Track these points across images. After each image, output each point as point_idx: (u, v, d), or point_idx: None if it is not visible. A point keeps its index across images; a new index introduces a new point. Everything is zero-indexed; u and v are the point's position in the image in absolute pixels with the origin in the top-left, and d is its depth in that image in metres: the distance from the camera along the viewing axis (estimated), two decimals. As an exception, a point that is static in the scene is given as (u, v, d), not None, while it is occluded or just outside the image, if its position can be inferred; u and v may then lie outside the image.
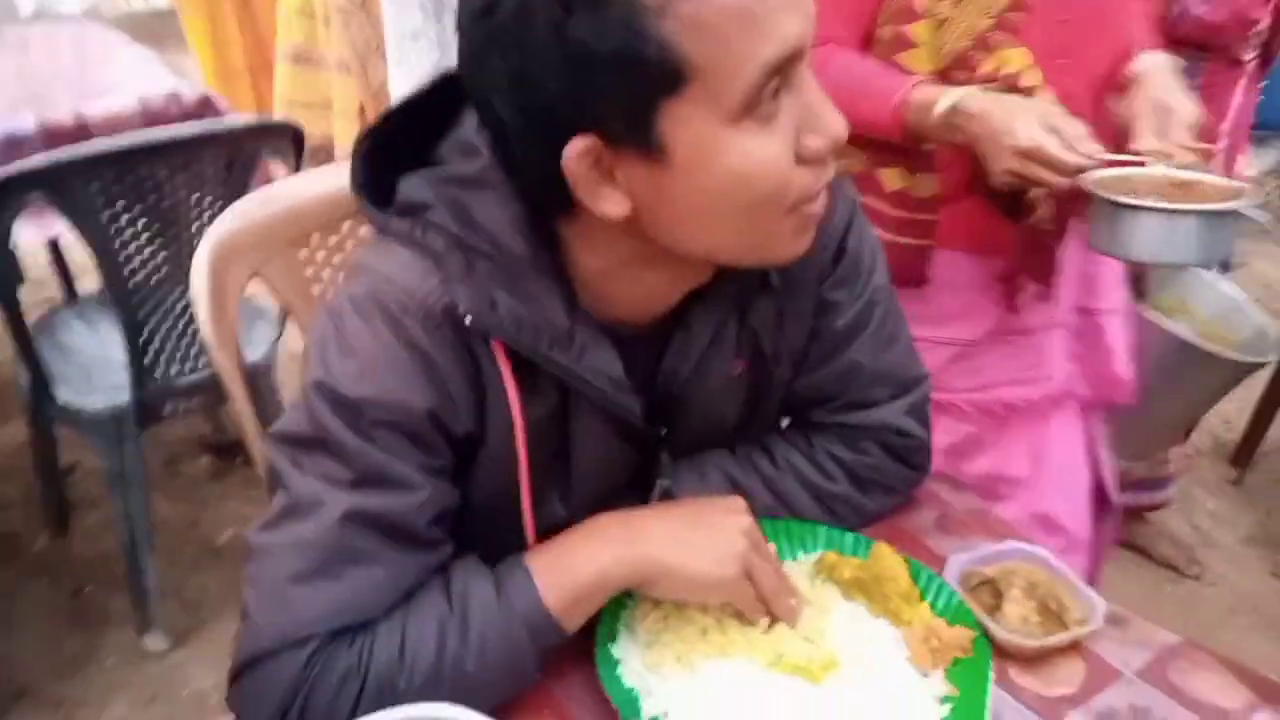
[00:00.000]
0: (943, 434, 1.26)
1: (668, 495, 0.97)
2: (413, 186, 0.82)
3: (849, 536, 0.98)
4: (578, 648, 0.85)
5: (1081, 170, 1.15)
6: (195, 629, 2.15)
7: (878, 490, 1.03)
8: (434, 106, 0.86)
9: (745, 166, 0.73)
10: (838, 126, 0.76)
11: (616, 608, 0.89)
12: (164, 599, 2.13)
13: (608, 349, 0.85)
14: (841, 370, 1.01)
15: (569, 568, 0.83)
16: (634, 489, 0.98)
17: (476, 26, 0.73)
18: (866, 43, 1.35)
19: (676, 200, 0.76)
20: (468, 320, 0.78)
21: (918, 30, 1.29)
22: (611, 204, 0.76)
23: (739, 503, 0.90)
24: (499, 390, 0.83)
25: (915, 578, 0.93)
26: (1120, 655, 0.89)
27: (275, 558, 0.78)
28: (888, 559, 0.94)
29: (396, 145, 0.85)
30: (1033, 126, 1.16)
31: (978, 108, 1.20)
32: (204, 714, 1.97)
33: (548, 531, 0.89)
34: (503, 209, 0.80)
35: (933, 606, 0.91)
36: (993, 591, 0.93)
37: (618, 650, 0.87)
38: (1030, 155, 1.15)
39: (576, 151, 0.73)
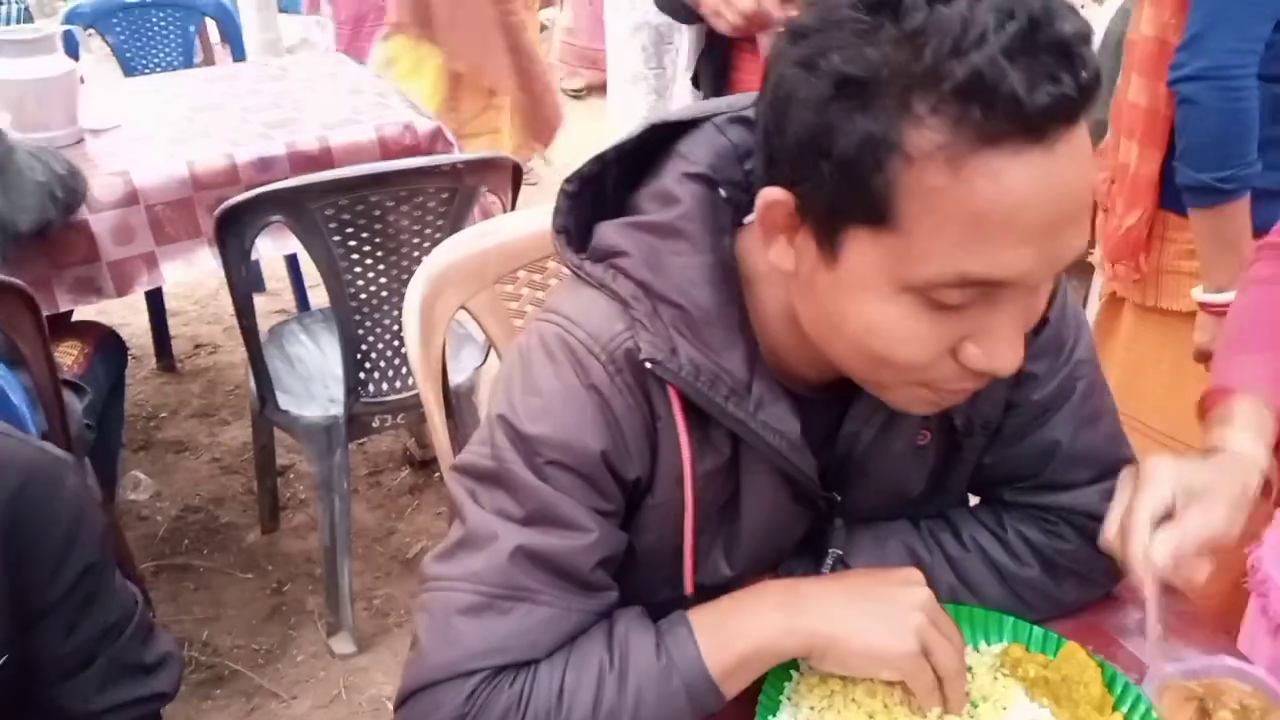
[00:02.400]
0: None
1: (841, 564, 0.94)
2: (609, 232, 0.84)
3: (1038, 631, 0.91)
4: (738, 714, 0.83)
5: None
6: (380, 636, 2.25)
7: (1073, 579, 0.96)
8: (637, 155, 0.87)
9: (885, 328, 0.71)
10: (1004, 364, 0.72)
11: (780, 677, 0.87)
12: (354, 604, 2.24)
13: (786, 406, 0.83)
14: (1038, 448, 0.95)
15: (734, 631, 0.81)
16: (804, 555, 0.95)
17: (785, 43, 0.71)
18: None
19: (821, 300, 0.75)
20: (648, 365, 0.79)
21: None
22: (779, 255, 0.76)
23: (916, 574, 0.85)
24: (672, 438, 0.83)
25: (1109, 684, 0.86)
26: (1345, 802, 0.79)
27: (448, 588, 0.80)
28: (1080, 659, 0.87)
29: (598, 189, 0.87)
30: (1155, 501, 0.84)
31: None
32: (379, 717, 2.05)
33: (708, 589, 0.88)
34: (693, 258, 0.80)
35: (1127, 719, 0.84)
36: (1199, 710, 0.84)
37: (778, 724, 0.84)
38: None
39: (771, 199, 0.73)
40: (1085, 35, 0.63)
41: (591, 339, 0.81)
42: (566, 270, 0.86)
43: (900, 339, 0.71)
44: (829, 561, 0.94)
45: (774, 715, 0.85)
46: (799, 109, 0.68)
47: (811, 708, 0.85)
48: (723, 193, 0.83)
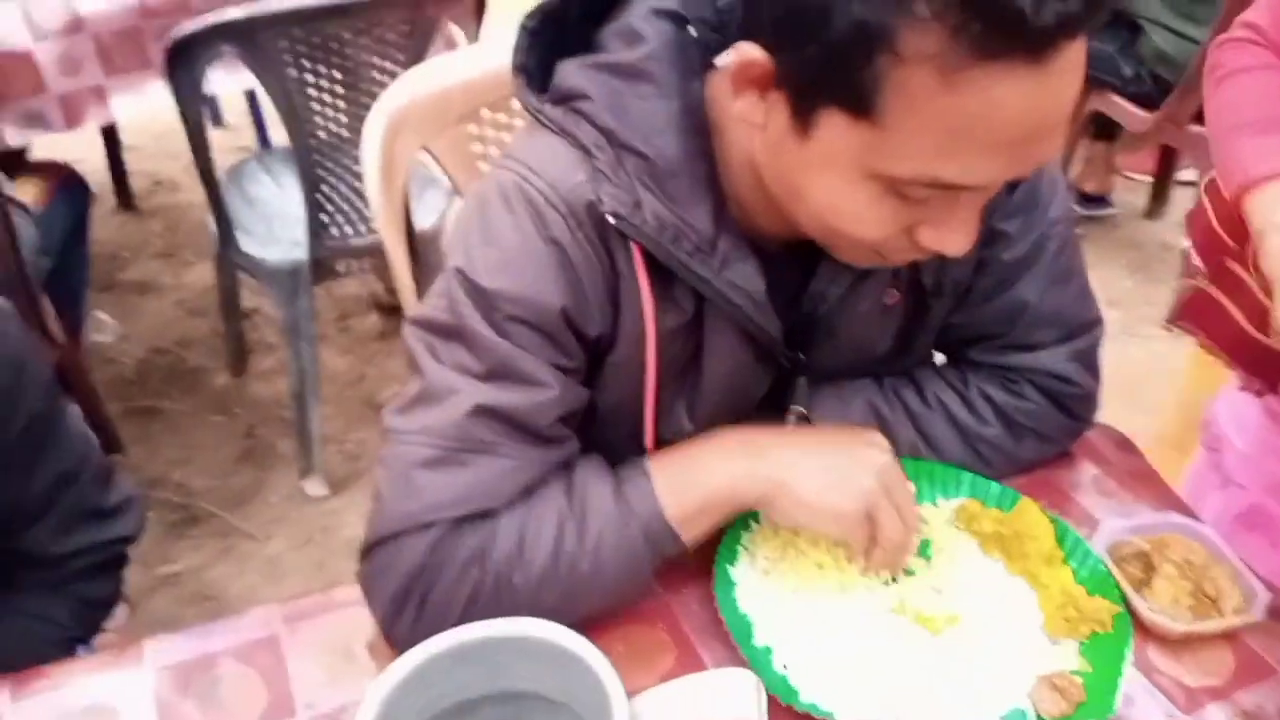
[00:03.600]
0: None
1: (804, 421, 0.94)
2: (570, 73, 0.80)
3: (994, 486, 0.92)
4: (698, 563, 0.84)
5: None
6: (352, 479, 2.27)
7: (1032, 437, 0.97)
8: None
9: (848, 209, 0.71)
10: (956, 248, 0.73)
11: (739, 528, 0.88)
12: (326, 447, 2.25)
13: (751, 263, 0.81)
14: (1006, 308, 0.94)
15: (690, 477, 0.81)
16: (767, 413, 0.95)
17: None
18: None
19: (785, 166, 0.73)
20: (611, 220, 0.76)
21: None
22: (748, 108, 0.73)
23: (879, 438, 0.85)
24: (634, 294, 0.81)
25: (1060, 539, 0.88)
26: (1278, 652, 0.82)
27: (406, 442, 0.79)
28: (1032, 515, 0.89)
29: (561, 25, 0.82)
30: None
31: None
32: (353, 559, 2.08)
33: (670, 445, 0.87)
34: (659, 103, 0.77)
35: (1075, 573, 0.86)
36: (1144, 565, 0.86)
37: (736, 573, 0.85)
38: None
39: (750, 57, 0.69)
40: None
41: (551, 189, 0.78)
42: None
43: (859, 219, 0.71)
44: (790, 419, 0.94)
45: (732, 564, 0.86)
46: None
47: (766, 557, 0.86)
48: (693, 31, 0.79)
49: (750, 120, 0.73)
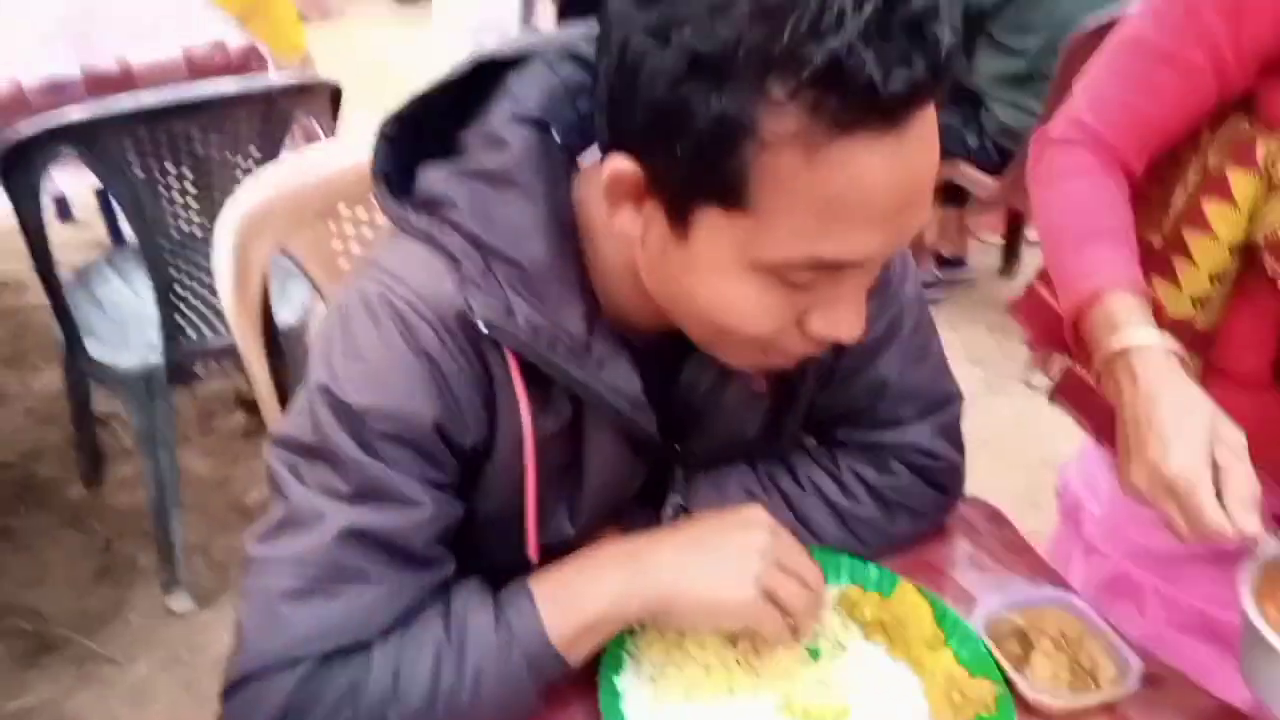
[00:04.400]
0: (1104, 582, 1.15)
1: (683, 511, 0.93)
2: (434, 179, 0.78)
3: (873, 570, 0.92)
4: (581, 673, 0.81)
5: (1222, 536, 0.79)
6: (221, 590, 2.15)
7: (905, 514, 0.98)
8: (463, 91, 0.81)
9: (736, 305, 0.70)
10: (848, 332, 0.72)
11: (621, 635, 0.85)
12: (191, 556, 2.13)
13: (626, 364, 0.80)
14: (867, 386, 0.95)
15: (575, 598, 0.79)
16: (644, 504, 0.93)
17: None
18: (1148, 158, 1.03)
19: (669, 272, 0.72)
20: (483, 328, 0.74)
21: (1216, 214, 0.97)
22: (626, 223, 0.72)
23: (756, 514, 0.84)
24: (510, 401, 0.79)
25: (940, 620, 0.88)
26: (1155, 720, 0.83)
27: (271, 572, 0.75)
28: (911, 599, 0.89)
29: (419, 127, 0.81)
30: (1195, 454, 0.81)
31: (1147, 377, 0.87)
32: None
33: (552, 548, 0.85)
34: (526, 208, 0.76)
35: (956, 654, 0.86)
36: (1022, 641, 0.87)
37: (622, 682, 0.83)
38: (1172, 489, 0.82)
39: (620, 169, 0.69)
40: (936, 9, 0.60)
41: (418, 298, 0.76)
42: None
43: (749, 314, 0.70)
44: (668, 510, 0.93)
45: (617, 673, 0.83)
46: (649, 81, 0.63)
47: (653, 663, 0.84)
48: (556, 136, 0.78)
49: (630, 234, 0.72)
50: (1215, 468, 0.80)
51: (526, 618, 0.77)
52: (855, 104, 0.60)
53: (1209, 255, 0.98)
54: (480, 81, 0.80)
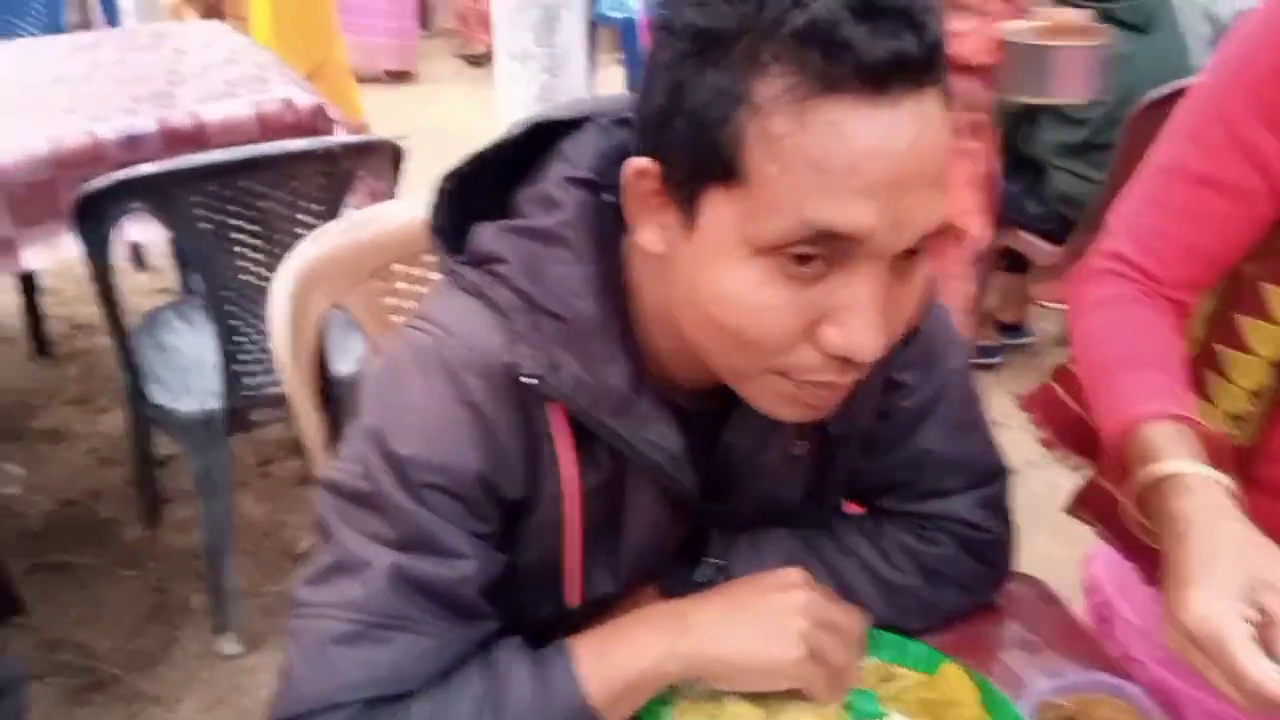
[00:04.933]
0: None
1: (719, 571, 0.92)
2: (488, 236, 0.80)
3: (918, 647, 0.90)
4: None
5: (1259, 691, 0.69)
6: (269, 635, 2.17)
7: (951, 587, 0.96)
8: (519, 151, 0.83)
9: (734, 292, 0.68)
10: (862, 345, 0.68)
11: (656, 704, 0.84)
12: (241, 601, 2.15)
13: (669, 423, 0.81)
14: (911, 455, 0.94)
15: (615, 659, 0.79)
16: (682, 562, 0.93)
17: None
18: (1194, 290, 0.97)
19: (682, 274, 0.72)
20: (530, 383, 0.75)
21: (1255, 331, 0.91)
22: (649, 236, 0.74)
23: (794, 575, 0.83)
24: (554, 456, 0.80)
25: (986, 703, 0.85)
26: (1212, 819, 0.79)
27: (320, 615, 0.76)
28: (958, 679, 0.86)
29: (475, 188, 0.83)
30: (1223, 600, 0.72)
31: (1185, 513, 0.79)
32: (267, 721, 1.98)
33: (591, 604, 0.86)
34: (576, 267, 0.77)
35: (1003, 740, 0.83)
36: (1072, 727, 0.84)
37: (657, 750, 0.81)
38: (1195, 643, 0.73)
39: (637, 168, 0.71)
40: (928, 5, 0.63)
41: (468, 350, 0.77)
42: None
43: (754, 308, 0.68)
44: (706, 570, 0.92)
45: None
46: (660, 72, 0.68)
47: (690, 733, 0.83)
48: (606, 198, 0.79)
49: (653, 249, 0.73)
50: (1266, 616, 0.71)
51: (565, 677, 0.77)
52: (838, 63, 0.62)
53: (1249, 373, 0.94)
54: (536, 143, 0.82)
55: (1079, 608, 1.01)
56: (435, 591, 0.77)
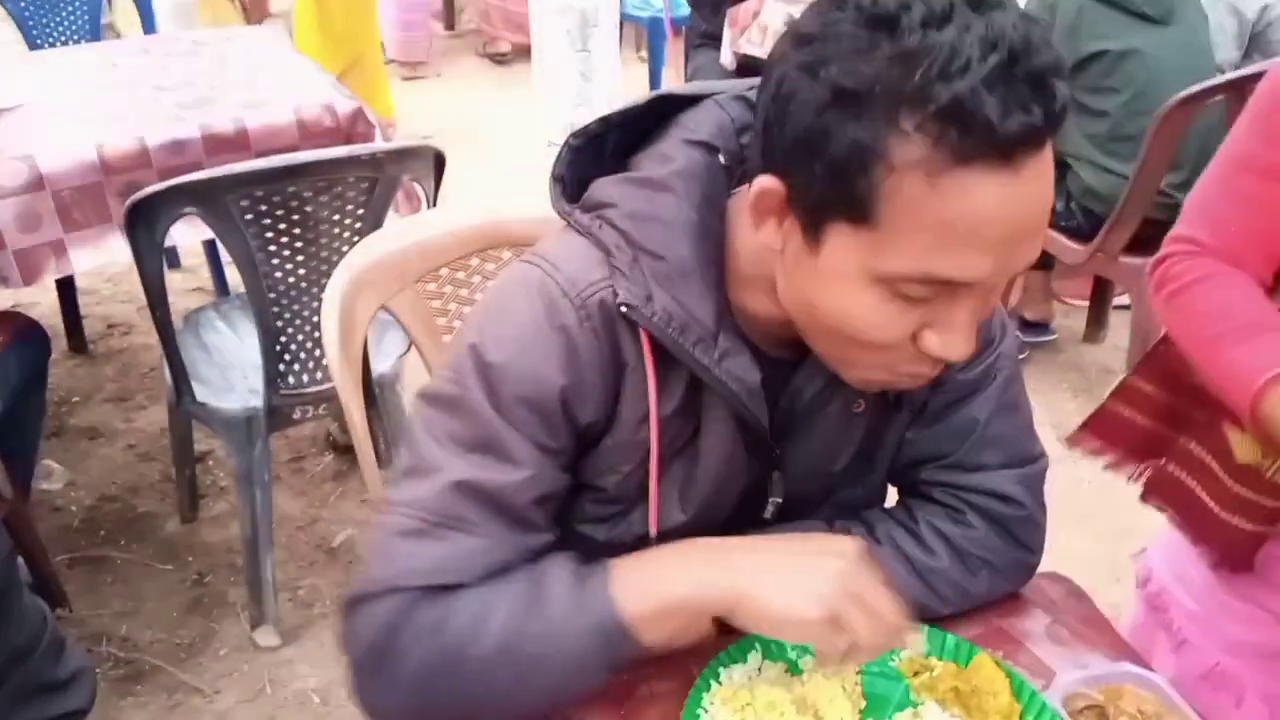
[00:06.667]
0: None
1: (781, 515, 1.00)
2: (604, 186, 0.89)
3: (950, 639, 0.94)
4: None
5: None
6: (305, 627, 2.22)
7: (983, 570, 0.99)
8: (639, 123, 0.91)
9: (849, 309, 0.77)
10: (957, 352, 0.77)
11: (700, 690, 0.88)
12: (278, 594, 2.21)
13: (748, 358, 0.88)
14: (957, 427, 1.00)
15: (654, 581, 0.83)
16: (746, 507, 0.99)
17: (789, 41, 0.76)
18: (1267, 274, 1.04)
19: (801, 282, 0.80)
20: (623, 310, 0.83)
21: None
22: (768, 236, 0.80)
23: (848, 545, 0.85)
24: (636, 383, 0.88)
25: (1017, 693, 0.89)
26: (1236, 804, 0.83)
27: (392, 513, 0.86)
28: (989, 670, 0.90)
29: (597, 151, 0.92)
30: None
31: None
32: (305, 711, 2.03)
33: (664, 535, 0.92)
34: (680, 212, 0.85)
35: (1033, 728, 0.87)
36: (1099, 716, 0.88)
37: (697, 740, 0.85)
38: None
39: (766, 185, 0.78)
40: (1059, 67, 0.69)
41: (569, 283, 0.85)
42: (492, 268, 0.90)
43: (870, 324, 0.76)
44: (770, 509, 0.99)
45: (694, 725, 0.86)
46: (798, 109, 0.73)
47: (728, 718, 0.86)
48: (722, 159, 0.88)
49: (771, 247, 0.81)
50: None
51: (601, 589, 0.83)
52: (974, 139, 0.67)
53: None
54: (654, 120, 0.91)
55: (1103, 601, 1.05)
56: (494, 496, 0.84)
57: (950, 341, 0.77)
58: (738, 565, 0.83)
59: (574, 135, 0.91)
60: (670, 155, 0.87)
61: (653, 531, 0.93)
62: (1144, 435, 1.15)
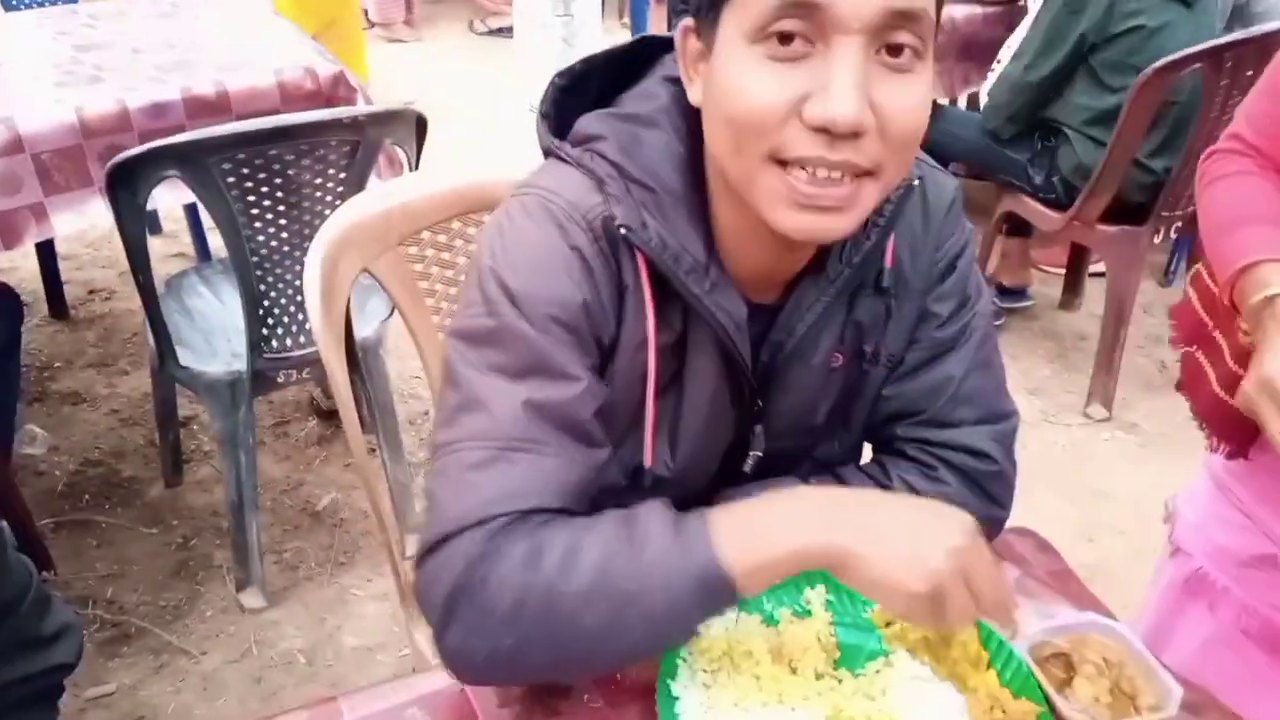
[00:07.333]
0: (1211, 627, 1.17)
1: (759, 461, 1.01)
2: (589, 121, 0.91)
3: (921, 591, 0.96)
4: (639, 678, 0.87)
5: None
6: (290, 589, 2.24)
7: None
8: (624, 65, 0.95)
9: (734, 83, 0.79)
10: (840, 107, 0.75)
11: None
12: (263, 557, 2.22)
13: (735, 292, 0.90)
14: (933, 382, 1.01)
15: (759, 533, 0.79)
16: (729, 463, 1.01)
17: None
18: None
19: (710, 100, 0.83)
20: (622, 231, 0.85)
21: None
22: (695, 91, 0.85)
23: (968, 521, 0.80)
24: (635, 306, 0.90)
25: (985, 642, 0.92)
26: (1193, 747, 0.86)
27: (456, 450, 0.84)
28: (958, 620, 0.92)
29: (583, 89, 0.94)
30: None
31: (1277, 315, 0.98)
32: (291, 672, 2.06)
33: (653, 484, 0.95)
34: (666, 147, 0.88)
35: (1000, 675, 0.89)
36: (1065, 664, 0.91)
37: (677, 687, 0.88)
38: (1265, 387, 0.95)
39: (684, 27, 0.83)
40: None
41: (572, 206, 0.87)
42: (474, 231, 0.90)
43: (756, 92, 0.77)
44: (750, 463, 1.01)
45: (673, 678, 0.88)
46: None
47: (705, 669, 0.89)
48: None
49: (695, 101, 0.85)
50: None
51: (701, 538, 0.78)
52: None
53: None
54: (638, 65, 0.94)
55: (1075, 561, 1.08)
56: (558, 413, 0.84)
57: (831, 100, 0.75)
58: (851, 521, 0.79)
59: (559, 75, 0.93)
60: (654, 93, 0.90)
61: (648, 461, 0.95)
62: (1195, 321, 1.22)
